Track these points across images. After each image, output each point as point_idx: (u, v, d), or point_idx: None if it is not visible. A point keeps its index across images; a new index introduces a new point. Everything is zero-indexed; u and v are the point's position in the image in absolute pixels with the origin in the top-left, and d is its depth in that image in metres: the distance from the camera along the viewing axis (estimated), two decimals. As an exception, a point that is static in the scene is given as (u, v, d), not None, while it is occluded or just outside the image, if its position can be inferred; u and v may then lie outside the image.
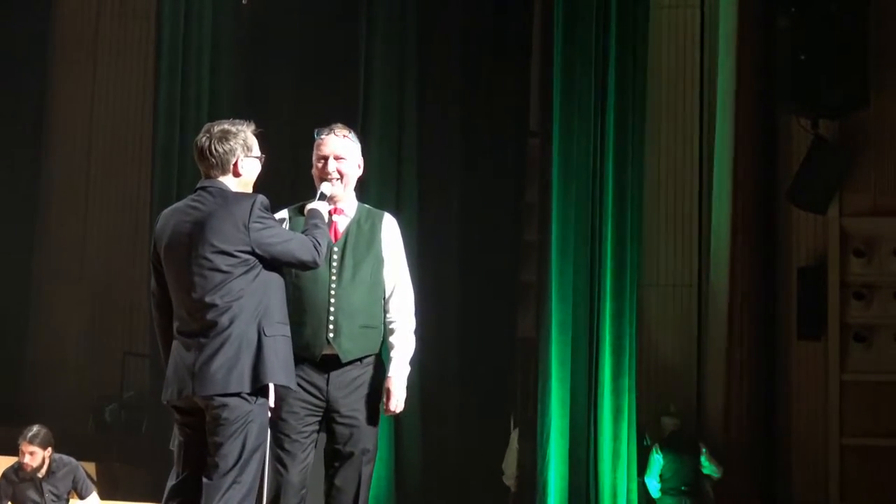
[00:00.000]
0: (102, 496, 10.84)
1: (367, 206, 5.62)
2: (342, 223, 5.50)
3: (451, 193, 11.60)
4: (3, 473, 9.27)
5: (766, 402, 11.58)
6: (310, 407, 5.37)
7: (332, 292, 5.40)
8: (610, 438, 10.69)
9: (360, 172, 5.62)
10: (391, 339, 5.55)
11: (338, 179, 5.51)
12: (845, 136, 11.76)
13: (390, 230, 5.61)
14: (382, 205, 11.03)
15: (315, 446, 5.46)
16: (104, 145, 13.16)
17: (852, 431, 11.46)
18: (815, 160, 11.54)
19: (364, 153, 11.60)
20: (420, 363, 10.99)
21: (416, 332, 5.63)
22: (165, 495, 5.33)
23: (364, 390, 5.44)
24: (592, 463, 10.70)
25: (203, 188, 5.34)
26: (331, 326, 5.38)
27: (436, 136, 11.60)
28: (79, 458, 11.16)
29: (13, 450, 10.86)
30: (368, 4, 11.51)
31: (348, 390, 5.40)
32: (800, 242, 11.86)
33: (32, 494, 9.18)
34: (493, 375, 11.51)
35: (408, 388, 11.09)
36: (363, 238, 5.49)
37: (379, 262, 5.52)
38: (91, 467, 11.14)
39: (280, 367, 5.20)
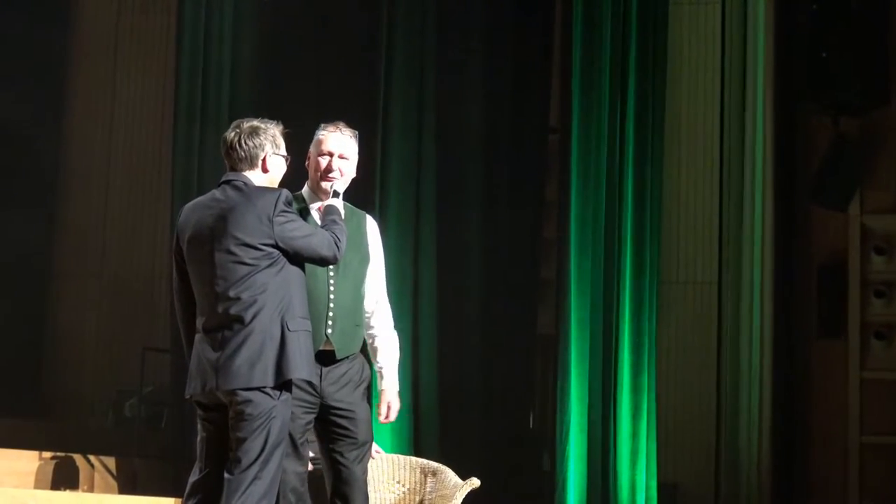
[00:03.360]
0: (122, 491, 10.89)
1: (349, 204, 5.70)
2: None
3: (471, 189, 11.59)
4: None
5: (785, 400, 11.55)
6: (305, 405, 5.44)
7: (332, 289, 5.50)
8: (628, 436, 10.67)
9: (354, 174, 5.73)
10: (380, 348, 5.74)
11: (338, 179, 5.58)
12: (866, 133, 11.72)
13: (374, 231, 5.76)
14: (403, 201, 11.20)
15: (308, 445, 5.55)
16: (124, 141, 13.19)
17: (872, 430, 11.43)
18: (835, 158, 11.51)
19: (383, 149, 11.66)
20: (440, 359, 11.08)
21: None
22: (187, 490, 5.36)
23: (354, 384, 5.57)
24: (611, 460, 10.69)
25: (227, 182, 5.38)
26: (329, 322, 5.48)
27: (455, 132, 11.58)
28: (99, 453, 11.24)
29: (35, 443, 10.92)
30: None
31: (340, 384, 5.53)
32: (820, 240, 11.83)
33: None
34: (513, 372, 11.50)
35: (427, 383, 11.13)
36: (352, 237, 5.60)
37: (366, 261, 5.66)
38: (111, 462, 11.19)
39: (303, 362, 5.25)
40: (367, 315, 5.69)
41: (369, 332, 5.71)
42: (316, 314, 5.44)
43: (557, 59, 11.90)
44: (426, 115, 11.45)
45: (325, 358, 5.49)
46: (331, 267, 5.48)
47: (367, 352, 5.79)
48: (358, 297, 5.61)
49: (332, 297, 5.50)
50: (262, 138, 5.41)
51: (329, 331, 5.48)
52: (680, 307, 11.47)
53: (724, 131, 11.52)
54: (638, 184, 11.03)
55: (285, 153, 5.49)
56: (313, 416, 5.48)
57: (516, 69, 11.84)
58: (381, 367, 5.72)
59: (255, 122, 5.45)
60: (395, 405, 5.70)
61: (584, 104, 11.12)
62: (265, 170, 5.42)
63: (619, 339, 10.80)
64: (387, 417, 5.68)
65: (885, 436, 11.38)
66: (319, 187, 5.62)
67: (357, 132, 5.72)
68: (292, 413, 5.36)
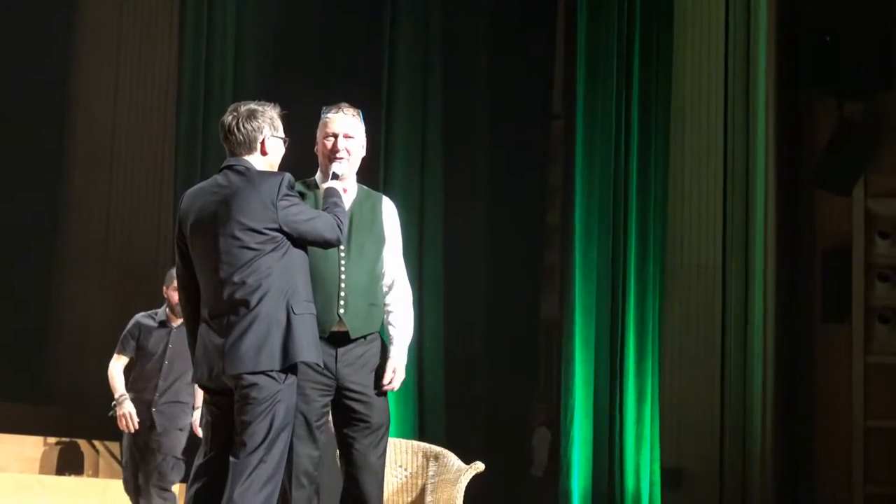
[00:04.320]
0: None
1: (365, 186, 5.67)
2: (346, 202, 5.54)
3: (475, 176, 11.60)
4: (137, 318, 8.34)
5: (790, 384, 11.56)
6: (321, 388, 5.42)
7: (343, 269, 5.47)
8: (633, 421, 10.70)
9: (364, 153, 5.68)
10: (393, 321, 5.67)
11: (345, 158, 5.56)
12: (870, 117, 11.71)
13: (390, 212, 5.72)
14: (408, 188, 11.21)
15: (325, 428, 5.53)
16: (127, 126, 13.18)
17: (877, 413, 11.44)
18: (839, 142, 11.50)
19: (388, 137, 11.67)
20: (444, 343, 11.09)
21: (416, 313, 5.83)
22: (192, 474, 5.36)
23: (370, 366, 5.53)
24: (616, 445, 10.71)
25: (229, 167, 5.37)
26: (341, 302, 5.44)
27: (460, 119, 11.58)
28: (103, 439, 11.24)
29: (40, 429, 10.93)
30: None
31: (356, 366, 5.49)
32: (824, 224, 11.83)
33: (158, 346, 8.21)
34: (517, 357, 11.51)
35: (432, 368, 11.13)
36: (366, 218, 5.58)
37: (381, 241, 5.61)
38: (115, 447, 11.19)
39: (309, 345, 5.24)
40: (384, 292, 5.67)
41: (386, 308, 5.68)
42: (327, 295, 5.42)
43: (561, 47, 11.89)
44: (430, 100, 11.45)
45: (339, 339, 5.47)
46: (341, 247, 5.48)
47: (384, 333, 5.76)
48: (373, 278, 5.58)
49: (343, 277, 5.48)
50: (259, 121, 5.39)
51: (342, 311, 5.45)
52: (684, 292, 11.48)
53: (729, 116, 11.52)
54: (642, 169, 11.04)
55: (283, 135, 5.48)
56: (329, 398, 5.45)
57: (520, 56, 11.83)
58: (392, 337, 5.68)
59: (252, 105, 5.43)
60: (401, 374, 5.61)
61: (589, 91, 11.13)
62: (264, 153, 5.41)
63: (625, 325, 10.82)
64: (390, 383, 5.61)
65: (890, 419, 11.39)
66: (328, 170, 5.60)
67: (360, 111, 5.71)
68: (307, 395, 5.35)
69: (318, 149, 5.65)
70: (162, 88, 12.93)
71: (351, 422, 5.48)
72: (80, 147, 13.26)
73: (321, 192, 5.53)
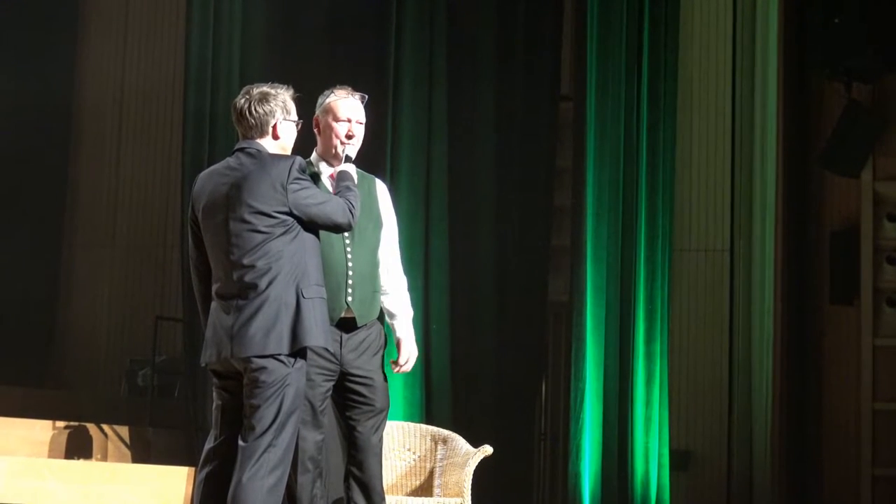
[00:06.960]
0: (136, 460, 10.92)
1: (359, 169, 5.68)
2: None
3: (481, 157, 11.56)
4: None
5: (797, 367, 11.56)
6: (325, 373, 5.46)
7: (349, 256, 5.49)
8: (642, 403, 10.68)
9: None
10: (391, 302, 5.73)
11: (356, 144, 5.58)
12: (878, 99, 11.69)
13: (384, 194, 5.75)
14: (414, 171, 11.18)
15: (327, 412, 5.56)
16: (135, 110, 13.20)
17: (884, 396, 11.43)
18: (847, 124, 11.47)
19: (395, 119, 11.62)
20: (451, 326, 11.09)
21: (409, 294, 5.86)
22: (202, 458, 5.38)
23: (372, 351, 5.59)
24: (627, 428, 10.70)
25: (241, 150, 5.37)
26: (349, 290, 5.47)
27: (467, 100, 11.55)
28: (112, 422, 11.28)
29: (49, 413, 10.96)
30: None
31: (359, 351, 5.54)
32: (832, 207, 11.82)
33: None
34: (524, 339, 11.50)
35: (439, 351, 11.12)
36: (364, 202, 5.57)
37: (379, 225, 5.65)
38: (124, 431, 11.23)
39: (318, 329, 5.25)
40: (381, 276, 5.68)
41: (382, 290, 5.69)
42: (335, 282, 5.43)
43: (570, 27, 11.86)
44: (436, 82, 11.41)
45: (346, 325, 5.50)
46: (346, 234, 5.48)
47: (383, 318, 5.78)
48: (375, 263, 5.61)
49: (350, 264, 5.50)
50: (272, 105, 5.39)
51: (349, 298, 5.48)
52: (693, 275, 11.48)
53: (736, 98, 11.50)
54: (651, 152, 11.02)
55: (296, 118, 5.48)
56: (332, 383, 5.49)
57: (527, 37, 11.78)
58: (394, 320, 5.70)
59: (265, 88, 5.43)
60: (414, 354, 5.68)
61: (600, 72, 11.10)
62: (276, 136, 5.40)
63: (634, 307, 10.81)
64: (406, 364, 5.64)
65: (897, 402, 11.41)
66: (334, 154, 5.59)
67: (366, 96, 5.71)
68: (312, 381, 5.37)
69: (322, 130, 5.63)
70: (169, 71, 12.93)
71: (355, 405, 5.53)
72: (87, 129, 13.29)
73: (334, 176, 5.53)
